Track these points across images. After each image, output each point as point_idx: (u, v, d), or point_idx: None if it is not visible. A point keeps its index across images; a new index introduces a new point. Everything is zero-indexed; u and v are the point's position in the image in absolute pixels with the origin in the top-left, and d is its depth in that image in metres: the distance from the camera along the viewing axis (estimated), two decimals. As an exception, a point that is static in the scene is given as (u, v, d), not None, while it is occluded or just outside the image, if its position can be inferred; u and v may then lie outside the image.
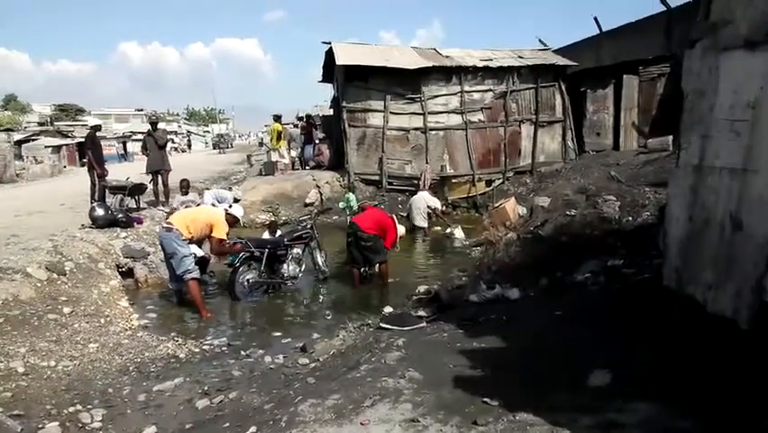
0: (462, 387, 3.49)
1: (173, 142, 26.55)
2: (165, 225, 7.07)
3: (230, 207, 7.81)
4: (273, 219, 11.40)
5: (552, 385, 3.34)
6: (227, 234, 7.15)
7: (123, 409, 4.10)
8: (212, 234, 6.94)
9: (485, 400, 3.19)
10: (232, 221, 7.29)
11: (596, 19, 16.81)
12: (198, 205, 9.65)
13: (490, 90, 15.12)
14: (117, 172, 13.81)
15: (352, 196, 12.58)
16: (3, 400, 3.93)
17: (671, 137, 10.95)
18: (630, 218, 7.50)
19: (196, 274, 6.78)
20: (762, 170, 3.28)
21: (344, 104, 14.80)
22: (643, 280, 5.29)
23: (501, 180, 15.27)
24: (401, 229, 9.06)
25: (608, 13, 21.01)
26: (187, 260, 6.70)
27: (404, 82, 14.59)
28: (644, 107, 14.26)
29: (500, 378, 3.58)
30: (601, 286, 5.64)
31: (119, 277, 7.78)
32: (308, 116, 20.31)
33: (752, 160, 3.37)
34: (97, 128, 12.34)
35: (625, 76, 14.23)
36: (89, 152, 11.64)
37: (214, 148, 49.38)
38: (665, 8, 13.88)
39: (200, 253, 7.31)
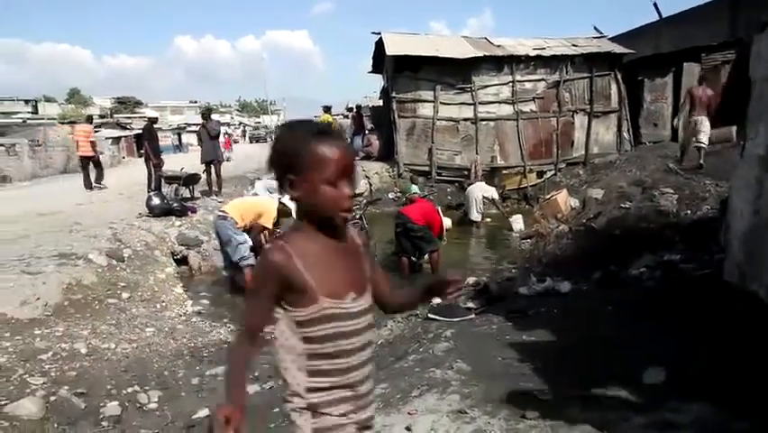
0: (511, 380, 3.45)
1: (227, 135, 27.06)
2: (220, 213, 7.23)
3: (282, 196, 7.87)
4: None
5: (604, 381, 3.26)
6: (277, 225, 7.24)
7: (177, 391, 4.24)
8: (258, 221, 7.06)
9: (534, 393, 3.15)
10: (283, 211, 7.38)
11: (655, 5, 16.22)
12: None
13: (543, 80, 14.80)
14: (172, 163, 14.22)
15: (414, 187, 12.69)
16: (68, 379, 4.12)
17: (734, 127, 10.48)
18: (689, 212, 7.24)
19: (252, 261, 6.90)
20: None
21: (394, 94, 14.76)
22: (702, 275, 5.10)
23: (553, 172, 14.95)
24: (447, 222, 8.99)
25: (667, -2, 20.18)
26: (242, 247, 6.83)
27: (454, 72, 14.45)
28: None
29: (550, 372, 3.52)
30: (657, 281, 5.47)
31: (174, 264, 8.02)
32: (358, 107, 20.37)
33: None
34: (154, 120, 12.74)
35: (685, 63, 13.66)
36: (146, 143, 12.05)
37: (251, 142, 47.20)
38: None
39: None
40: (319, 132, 1.41)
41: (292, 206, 5.76)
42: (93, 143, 13.82)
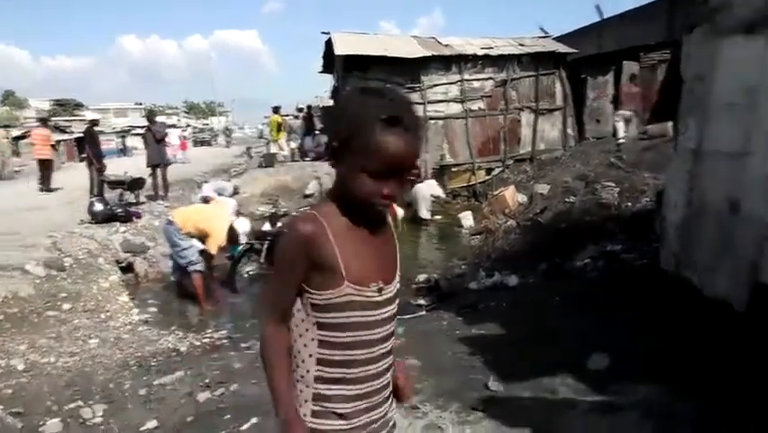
0: (462, 373, 3.52)
1: (183, 138, 26.27)
2: (168, 217, 7.06)
3: (237, 211, 7.25)
4: (273, 211, 11.38)
5: (551, 370, 3.37)
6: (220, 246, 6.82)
7: (124, 403, 4.10)
8: (205, 244, 6.71)
9: (484, 385, 3.22)
10: (231, 235, 6.91)
11: (597, 6, 16.73)
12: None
13: (491, 78, 15.02)
14: (116, 167, 13.78)
15: None
16: (3, 398, 3.94)
17: (670, 123, 10.96)
18: (629, 204, 7.51)
19: (199, 267, 6.73)
20: (760, 153, 3.26)
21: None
22: (642, 264, 5.31)
23: (501, 169, 15.20)
24: (400, 211, 9.03)
25: (609, -1, 20.95)
26: (187, 252, 6.64)
27: (403, 72, 14.49)
28: (644, 94, 14.19)
29: (499, 364, 3.60)
30: (600, 271, 5.67)
31: (119, 272, 7.75)
32: (309, 107, 20.22)
33: (750, 143, 3.35)
34: (95, 123, 12.39)
35: (625, 62, 14.13)
36: (88, 146, 11.68)
37: (195, 145, 41.64)
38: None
39: (201, 246, 7.26)
40: (391, 116, 1.19)
41: (242, 228, 5.41)
42: (53, 146, 14.16)
